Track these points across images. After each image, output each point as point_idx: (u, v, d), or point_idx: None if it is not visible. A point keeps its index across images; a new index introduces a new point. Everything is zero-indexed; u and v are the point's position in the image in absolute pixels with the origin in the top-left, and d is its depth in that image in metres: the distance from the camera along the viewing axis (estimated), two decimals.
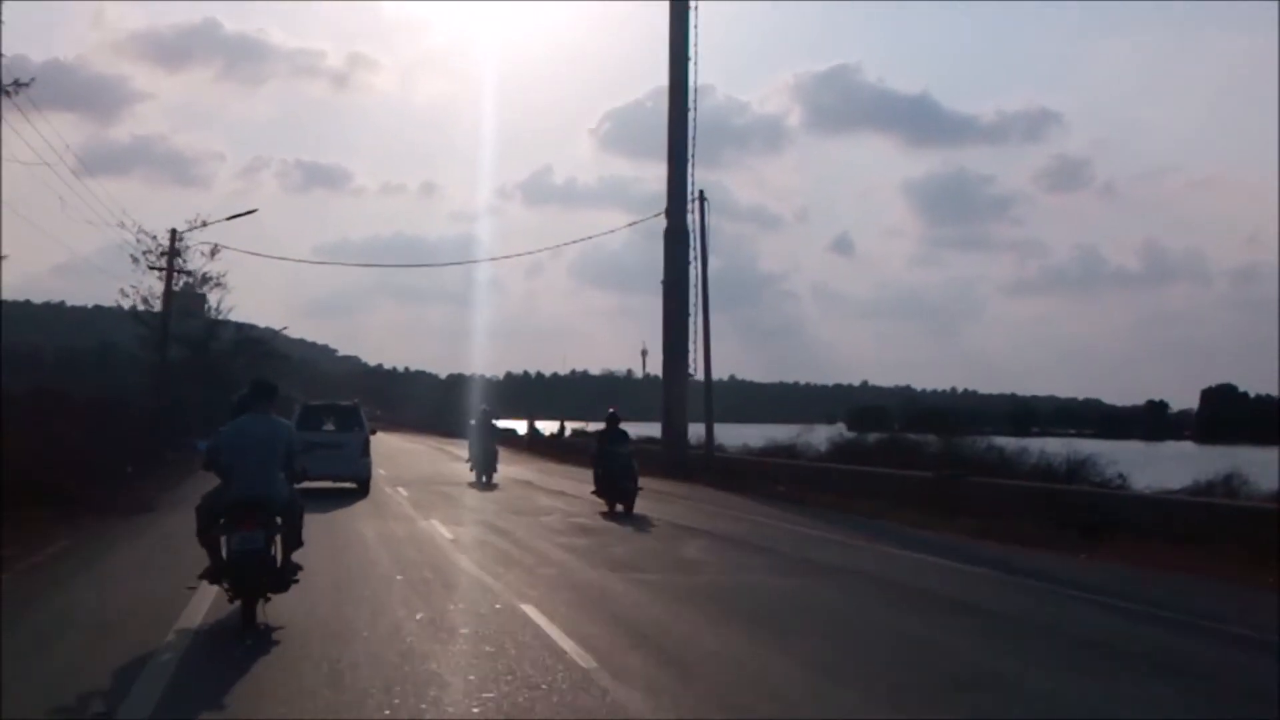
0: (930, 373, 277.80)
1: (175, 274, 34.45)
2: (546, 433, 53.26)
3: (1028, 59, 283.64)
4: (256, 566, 7.60)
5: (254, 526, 7.64)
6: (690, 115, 32.74)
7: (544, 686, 6.05)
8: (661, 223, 32.82)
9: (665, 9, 32.62)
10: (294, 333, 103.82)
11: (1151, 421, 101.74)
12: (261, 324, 55.70)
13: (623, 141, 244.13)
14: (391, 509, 17.63)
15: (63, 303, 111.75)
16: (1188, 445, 76.99)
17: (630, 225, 40.43)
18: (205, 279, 37.17)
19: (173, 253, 33.24)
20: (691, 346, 32.32)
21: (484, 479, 23.91)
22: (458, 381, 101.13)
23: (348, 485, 20.43)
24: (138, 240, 33.52)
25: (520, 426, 54.65)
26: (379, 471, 26.29)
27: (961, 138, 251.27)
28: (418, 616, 8.08)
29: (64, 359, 55.37)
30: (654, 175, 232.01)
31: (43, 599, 8.74)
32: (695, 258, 32.34)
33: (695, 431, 33.08)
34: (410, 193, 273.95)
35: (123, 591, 9.25)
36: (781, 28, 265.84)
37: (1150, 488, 20.78)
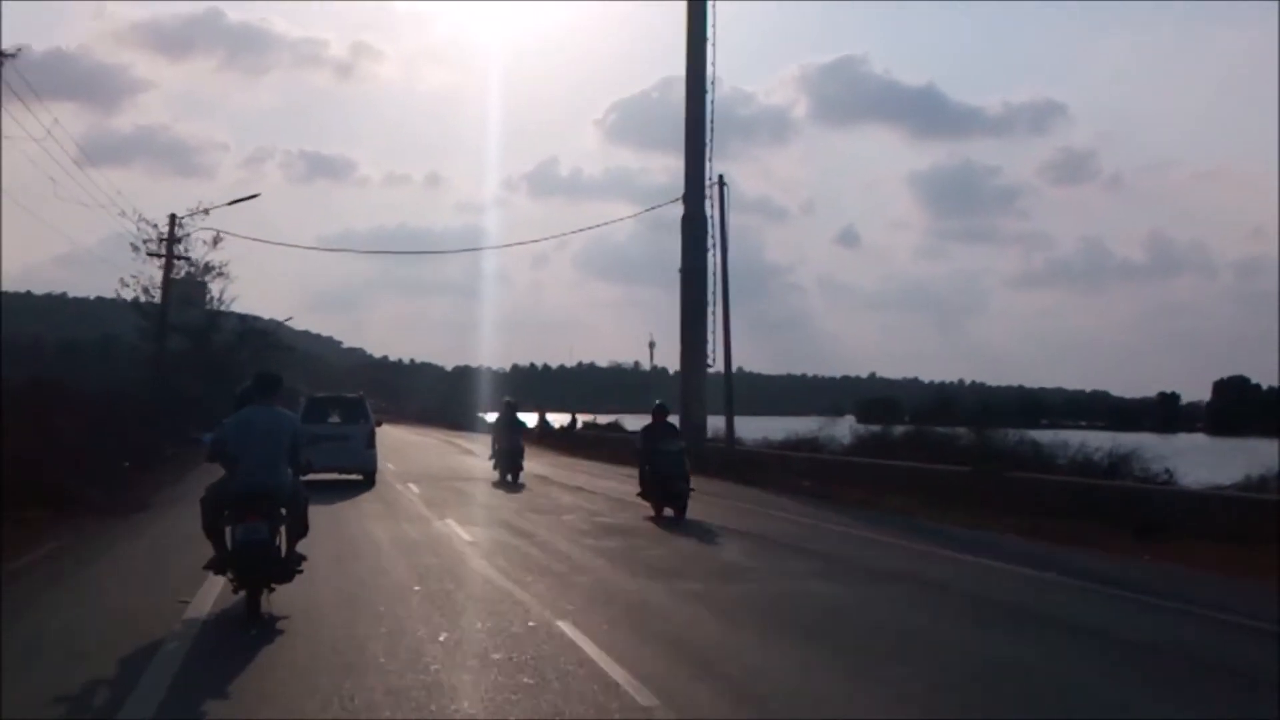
0: (938, 365, 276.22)
1: (175, 261, 33.57)
2: (556, 425, 52.35)
3: (1034, 51, 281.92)
4: (261, 557, 7.62)
5: (258, 517, 7.64)
6: (708, 98, 31.66)
7: None
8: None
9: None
10: (298, 325, 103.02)
11: (1163, 413, 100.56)
12: (265, 316, 55.06)
13: (629, 133, 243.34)
14: (403, 508, 16.64)
15: (64, 294, 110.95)
16: (1200, 437, 75.95)
17: (648, 210, 39.17)
18: (208, 268, 36.57)
19: (172, 239, 32.29)
20: (710, 337, 31.34)
21: (508, 478, 22.11)
22: (464, 374, 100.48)
23: (354, 477, 20.45)
24: (138, 228, 32.75)
25: (530, 419, 53.74)
26: (388, 466, 25.69)
27: (967, 130, 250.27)
28: (441, 638, 7.06)
29: (66, 351, 54.68)
30: (660, 167, 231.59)
31: (8, 618, 7.66)
32: (713, 245, 31.33)
33: (711, 425, 32.12)
34: (415, 183, 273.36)
35: (107, 603, 8.29)
36: (787, 19, 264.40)
37: (1199, 483, 19.74)
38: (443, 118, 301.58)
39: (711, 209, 31.23)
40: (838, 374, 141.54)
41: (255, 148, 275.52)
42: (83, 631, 7.32)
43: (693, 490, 15.91)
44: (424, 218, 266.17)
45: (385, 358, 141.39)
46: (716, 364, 31.39)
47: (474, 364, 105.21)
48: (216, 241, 35.28)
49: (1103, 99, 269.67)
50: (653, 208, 39.47)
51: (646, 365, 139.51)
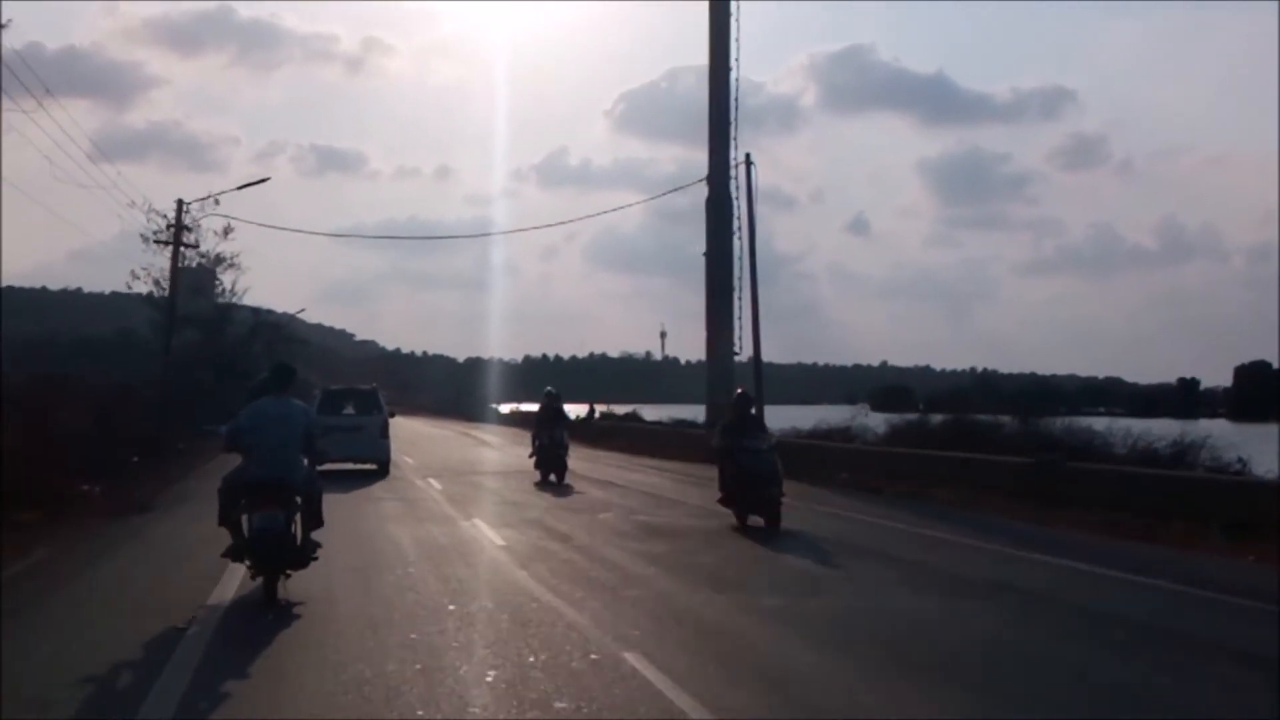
0: (949, 352, 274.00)
1: (185, 251, 32.60)
2: (572, 416, 50.96)
3: (1043, 37, 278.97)
4: (277, 545, 7.81)
5: (274, 506, 7.82)
6: (733, 75, 30.49)
7: None
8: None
9: None
10: (311, 318, 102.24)
11: (1183, 399, 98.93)
12: (279, 309, 54.35)
13: (638, 123, 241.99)
14: (427, 506, 15.42)
15: (79, 289, 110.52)
16: (1222, 423, 74.42)
17: (672, 191, 38.16)
18: (219, 259, 35.81)
19: (179, 225, 31.22)
20: (736, 323, 30.08)
21: (551, 478, 19.71)
22: (475, 365, 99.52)
23: (369, 467, 20.88)
24: (148, 219, 31.85)
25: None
26: (406, 460, 24.81)
27: (976, 117, 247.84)
28: (489, 678, 5.81)
29: (81, 346, 54.16)
30: (669, 156, 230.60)
31: None
32: (738, 228, 30.02)
33: None
34: (425, 176, 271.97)
35: (87, 634, 7.05)
36: (796, 9, 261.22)
37: (1271, 472, 18.42)
38: (452, 111, 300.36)
39: (737, 191, 29.99)
40: (848, 362, 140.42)
41: (267, 142, 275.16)
42: (55, 671, 6.07)
43: (785, 496, 13.41)
44: (434, 210, 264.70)
45: (398, 350, 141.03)
46: (744, 351, 30.18)
47: (486, 355, 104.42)
48: (227, 232, 34.80)
49: (1112, 85, 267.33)
50: (675, 189, 38.46)
51: (658, 355, 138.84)
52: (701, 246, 31.01)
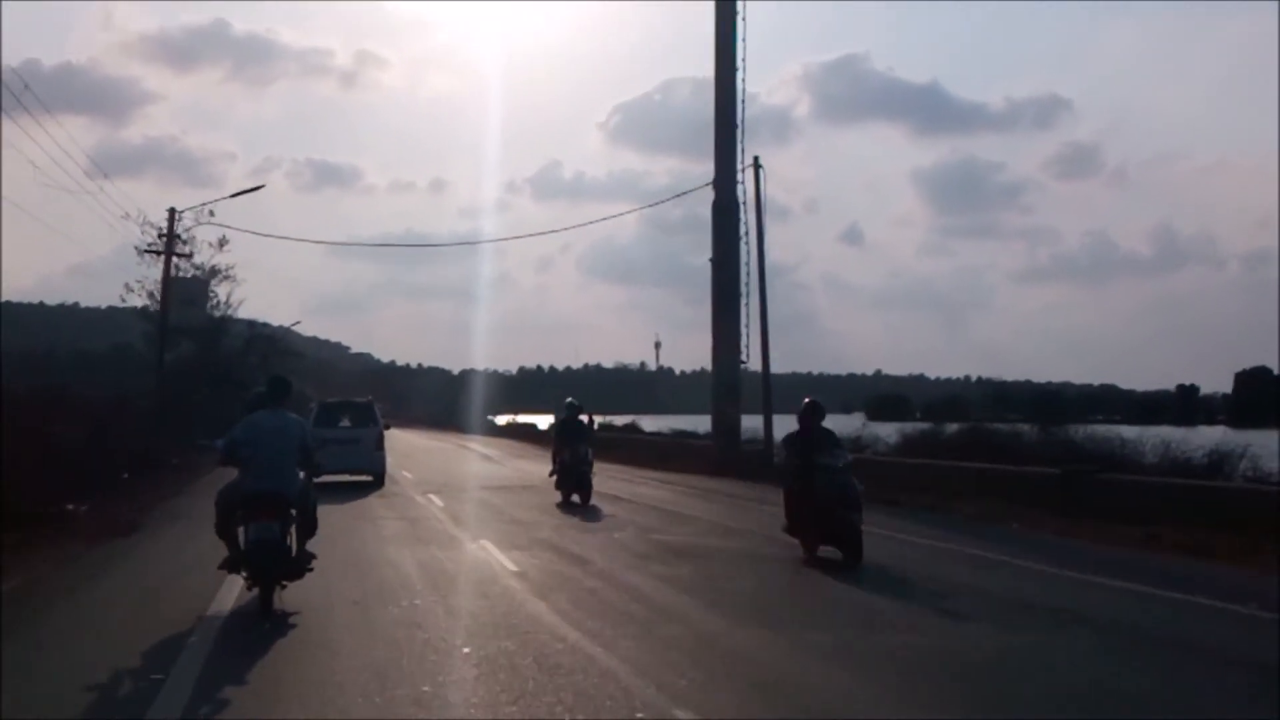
0: (944, 361, 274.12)
1: (178, 259, 31.93)
2: None
3: (1037, 46, 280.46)
4: (272, 555, 7.95)
5: (270, 518, 7.96)
6: (739, 76, 29.62)
7: None
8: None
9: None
10: (306, 331, 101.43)
11: (1182, 406, 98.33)
12: (273, 322, 53.92)
13: (632, 135, 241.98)
14: (430, 526, 14.52)
15: (76, 304, 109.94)
16: (1222, 430, 73.68)
17: (678, 196, 37.33)
18: (214, 271, 35.30)
19: (171, 234, 30.48)
20: (744, 331, 29.24)
21: (574, 499, 17.84)
22: (470, 377, 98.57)
23: (365, 479, 21.19)
24: (142, 231, 31.40)
25: (542, 421, 51.84)
26: (404, 475, 24.09)
27: (971, 126, 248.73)
28: None
29: (78, 360, 53.62)
30: (663, 169, 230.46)
31: None
32: (745, 234, 29.20)
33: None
34: (420, 189, 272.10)
35: (39, 688, 6.13)
36: (789, 19, 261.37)
37: None
38: (446, 123, 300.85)
39: (744, 195, 29.19)
40: (843, 371, 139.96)
41: (263, 157, 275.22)
42: None
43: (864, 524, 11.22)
44: (429, 224, 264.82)
45: (392, 362, 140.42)
46: (751, 360, 29.33)
47: (480, 367, 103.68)
48: (222, 244, 34.47)
49: (1106, 93, 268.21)
50: (680, 195, 37.56)
51: (652, 365, 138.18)
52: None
